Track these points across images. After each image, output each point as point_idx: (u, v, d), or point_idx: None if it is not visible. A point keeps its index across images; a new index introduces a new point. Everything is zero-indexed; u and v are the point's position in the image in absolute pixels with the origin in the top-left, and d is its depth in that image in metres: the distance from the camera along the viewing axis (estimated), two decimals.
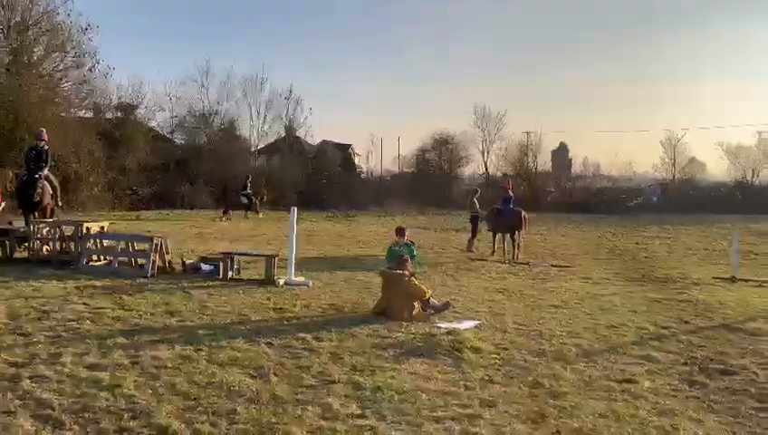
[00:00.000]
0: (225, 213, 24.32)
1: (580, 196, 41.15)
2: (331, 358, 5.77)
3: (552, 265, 13.27)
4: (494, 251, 15.05)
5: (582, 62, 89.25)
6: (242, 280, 10.06)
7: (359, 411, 4.45)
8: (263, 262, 10.26)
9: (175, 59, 72.50)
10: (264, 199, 27.48)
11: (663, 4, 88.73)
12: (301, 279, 9.98)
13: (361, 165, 48.90)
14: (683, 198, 40.40)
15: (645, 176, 48.84)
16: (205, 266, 10.66)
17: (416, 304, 7.75)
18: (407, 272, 8.03)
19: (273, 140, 40.59)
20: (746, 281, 11.60)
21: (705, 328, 7.51)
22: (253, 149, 39.40)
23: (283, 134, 40.32)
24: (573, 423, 4.31)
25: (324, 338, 6.47)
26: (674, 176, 47.10)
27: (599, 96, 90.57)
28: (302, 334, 6.59)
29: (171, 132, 37.30)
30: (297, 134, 40.58)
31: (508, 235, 14.87)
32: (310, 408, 4.48)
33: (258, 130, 39.63)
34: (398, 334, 6.72)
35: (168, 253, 10.85)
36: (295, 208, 10.52)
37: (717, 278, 11.93)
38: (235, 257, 10.57)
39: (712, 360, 6.05)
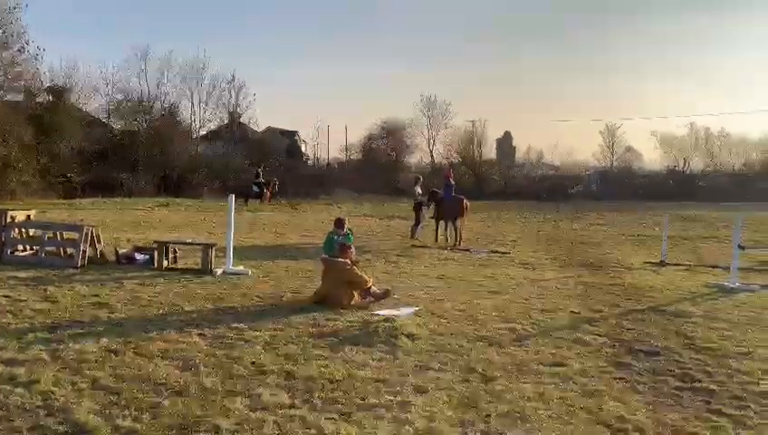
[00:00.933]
0: (246, 202, 24.87)
1: (522, 183, 42.05)
2: (265, 348, 5.66)
3: (493, 252, 13.48)
4: (436, 238, 15.17)
5: (526, 53, 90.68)
6: (178, 270, 9.79)
7: (289, 401, 4.38)
8: (200, 251, 10.01)
9: (111, 42, 69.44)
10: (277, 189, 27.56)
11: None
12: (240, 268, 9.78)
13: (308, 152, 48.45)
14: (620, 186, 41.84)
15: (585, 164, 50.32)
16: (139, 256, 10.33)
17: (356, 292, 7.71)
18: (348, 260, 7.97)
19: (215, 126, 39.69)
20: (674, 265, 12.08)
21: (634, 311, 7.76)
22: (194, 135, 38.43)
23: (227, 121, 39.46)
24: (503, 407, 4.36)
25: (260, 328, 6.34)
26: (612, 164, 48.75)
27: (542, 86, 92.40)
28: (237, 325, 6.45)
29: (108, 117, 35.94)
30: (241, 121, 39.79)
31: (450, 222, 15.01)
32: (239, 399, 4.38)
33: (200, 117, 38.67)
34: (336, 323, 6.66)
35: (99, 242, 10.43)
36: (233, 196, 10.28)
37: (648, 263, 12.39)
38: (171, 246, 10.26)
39: (638, 341, 6.26)
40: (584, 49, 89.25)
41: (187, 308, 7.23)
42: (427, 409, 4.31)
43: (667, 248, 13.08)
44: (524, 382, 4.90)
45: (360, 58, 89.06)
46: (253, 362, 5.22)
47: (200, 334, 6.05)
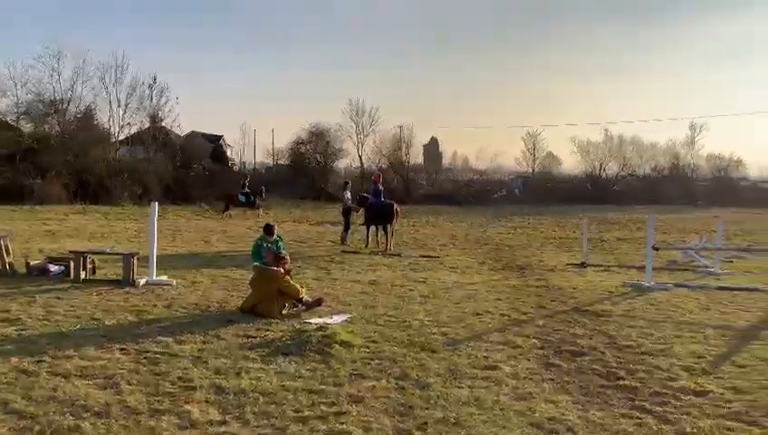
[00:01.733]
0: (225, 210, 24.81)
1: (449, 188, 42.79)
2: (192, 362, 5.43)
3: (423, 256, 13.60)
4: (367, 243, 15.16)
5: (453, 62, 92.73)
6: (96, 281, 9.28)
7: (220, 418, 4.21)
8: (121, 261, 9.54)
9: (21, 40, 65.43)
10: (264, 196, 26.88)
11: (528, 6, 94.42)
12: (163, 278, 9.39)
13: (233, 157, 47.39)
14: (541, 190, 43.35)
15: (509, 169, 51.86)
16: (53, 268, 9.72)
17: (287, 303, 7.56)
18: (282, 269, 7.79)
19: (135, 130, 38.05)
20: (595, 266, 12.60)
21: (560, 312, 8.02)
22: (113, 139, 36.69)
23: (148, 124, 37.91)
24: (439, 413, 4.37)
25: (186, 341, 6.09)
26: (533, 169, 50.49)
27: (468, 94, 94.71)
28: (161, 338, 6.16)
29: (17, 120, 33.72)
30: (163, 124, 38.33)
31: (381, 227, 15.04)
32: (165, 418, 4.17)
33: (119, 120, 36.96)
34: (267, 333, 6.50)
35: (8, 253, 9.75)
36: (156, 203, 9.86)
37: (570, 264, 12.86)
38: (89, 256, 9.72)
39: (565, 342, 6.45)
40: (508, 58, 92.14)
41: (107, 322, 6.85)
42: (363, 418, 4.26)
43: (588, 250, 13.65)
44: (459, 387, 4.94)
45: (285, 62, 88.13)
46: (180, 378, 5.00)
47: (122, 350, 5.74)
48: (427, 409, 4.46)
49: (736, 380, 5.22)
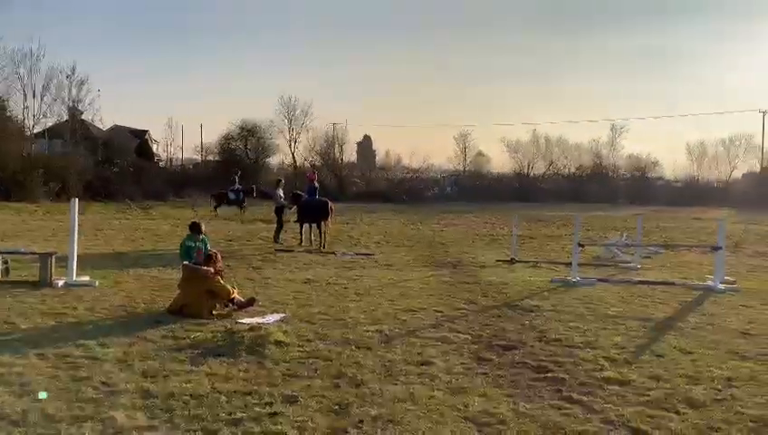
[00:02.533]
0: (216, 207, 24.42)
1: (383, 186, 43.03)
2: (117, 366, 5.19)
3: (357, 254, 13.60)
4: (301, 241, 15.01)
5: (386, 61, 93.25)
6: (10, 283, 8.73)
7: (147, 423, 4.03)
8: (37, 261, 9.01)
9: None
10: (254, 195, 25.99)
11: (456, 8, 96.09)
12: (85, 279, 8.95)
13: (160, 152, 45.83)
14: (472, 189, 44.34)
15: (441, 168, 52.69)
16: None
17: (218, 303, 7.36)
18: (212, 269, 7.57)
19: (53, 123, 36.11)
20: (524, 262, 12.97)
21: (491, 307, 8.19)
22: (28, 132, 34.66)
23: (66, 117, 36.05)
24: (374, 411, 4.36)
25: (110, 344, 5.82)
26: (464, 168, 51.53)
27: (401, 93, 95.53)
28: (83, 341, 5.86)
29: None
30: (83, 118, 36.55)
31: (315, 225, 14.92)
32: (88, 424, 3.96)
33: (35, 112, 34.96)
34: (197, 334, 6.29)
35: None
36: (76, 200, 9.37)
37: (500, 261, 13.18)
38: (2, 256, 9.13)
39: (497, 337, 6.59)
40: (439, 59, 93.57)
41: (23, 326, 6.46)
42: (298, 418, 4.19)
43: (517, 247, 14.04)
44: (394, 384, 4.95)
45: (214, 57, 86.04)
46: (103, 382, 4.76)
47: (39, 355, 5.41)
48: (362, 406, 4.44)
49: (655, 369, 5.49)
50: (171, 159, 45.56)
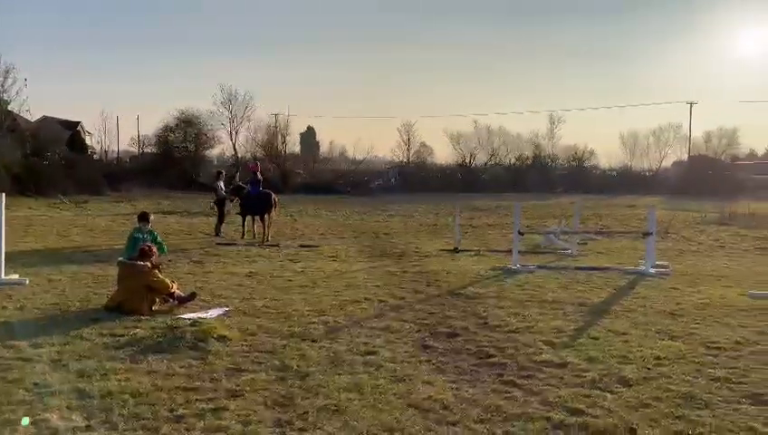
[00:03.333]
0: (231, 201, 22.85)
1: (327, 178, 42.81)
2: (50, 366, 5.00)
3: (302, 246, 13.51)
4: (243, 234, 14.78)
5: (329, 51, 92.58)
6: None
7: (84, 423, 3.90)
8: None
9: None
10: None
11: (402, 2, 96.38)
12: (15, 277, 8.56)
13: (94, 145, 44.07)
14: (416, 180, 44.68)
15: (385, 159, 52.90)
16: None
17: (157, 298, 7.18)
18: (149, 263, 7.36)
19: None
20: (466, 251, 13.21)
21: (434, 296, 8.32)
22: None
23: None
24: (320, 402, 4.36)
25: (43, 344, 5.59)
26: (408, 159, 51.88)
27: (345, 83, 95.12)
28: (13, 342, 5.61)
29: None
30: (9, 108, 34.66)
31: (258, 217, 14.72)
32: (20, 428, 3.80)
33: None
34: (136, 331, 6.11)
35: None
36: (3, 195, 8.91)
37: (443, 250, 13.38)
38: None
39: (440, 324, 6.70)
40: (382, 49, 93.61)
41: None
42: (242, 412, 4.15)
43: (460, 236, 14.27)
44: (339, 374, 4.96)
45: (150, 46, 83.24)
46: (36, 384, 4.58)
47: None
48: (307, 398, 4.44)
49: (591, 350, 5.71)
50: (107, 152, 43.91)
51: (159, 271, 7.47)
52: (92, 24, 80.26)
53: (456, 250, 13.27)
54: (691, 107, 54.51)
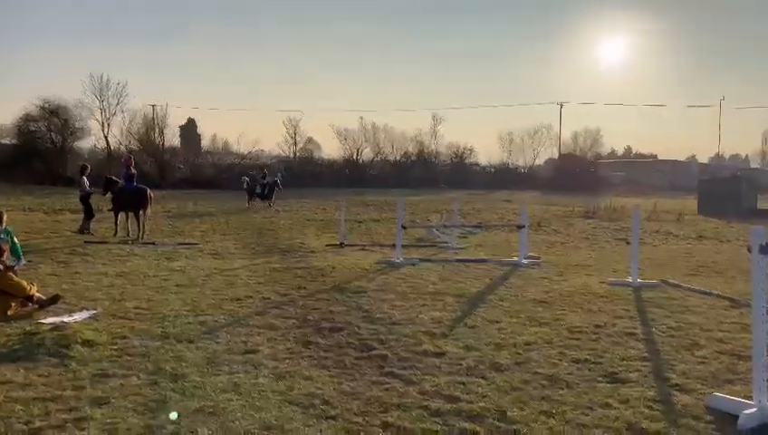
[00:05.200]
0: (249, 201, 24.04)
1: (209, 172, 41.37)
2: None
3: (180, 244, 12.94)
4: (116, 232, 13.90)
5: (213, 42, 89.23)
6: None
7: None
8: None
9: None
10: (280, 188, 24.45)
11: None
12: None
13: None
14: (303, 174, 44.34)
15: (271, 154, 51.99)
16: None
17: (13, 302, 6.55)
18: (1, 266, 6.70)
19: None
20: (352, 246, 13.29)
21: (319, 291, 8.28)
22: None
23: None
24: (195, 404, 4.19)
25: None
26: (295, 154, 51.37)
27: (228, 75, 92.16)
28: None
29: None
30: None
31: (132, 213, 13.90)
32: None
33: None
34: None
35: None
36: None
37: (330, 245, 13.37)
38: None
39: (324, 320, 6.68)
40: (266, 43, 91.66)
41: None
42: (109, 420, 3.89)
43: (346, 231, 14.33)
44: (217, 375, 4.79)
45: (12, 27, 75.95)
46: None
47: None
48: (182, 401, 4.24)
49: (468, 339, 5.94)
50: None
51: (15, 273, 6.83)
52: None
53: (341, 245, 13.31)
54: (561, 108, 58.46)
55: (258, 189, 24.80)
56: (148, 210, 14.12)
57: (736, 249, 13.71)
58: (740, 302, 7.66)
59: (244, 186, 24.93)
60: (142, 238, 13.31)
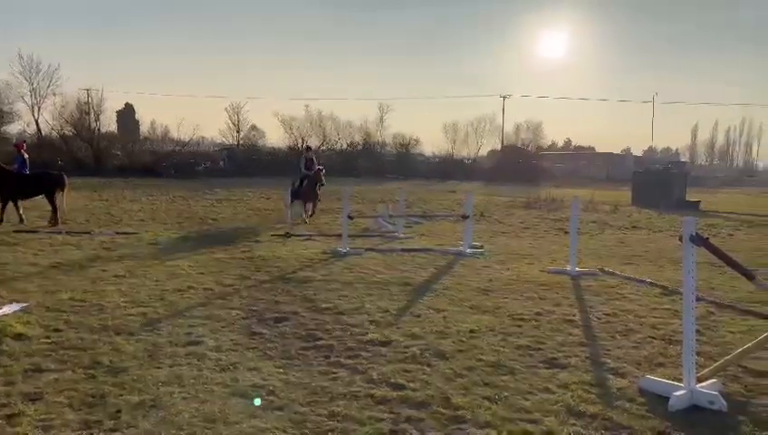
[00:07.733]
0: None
1: (148, 159, 40.11)
2: None
3: (118, 233, 12.51)
4: (22, 220, 13.36)
5: (152, 26, 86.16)
6: None
7: None
8: None
9: None
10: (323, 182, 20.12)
11: None
12: None
13: None
14: (247, 163, 43.59)
15: (213, 141, 50.86)
16: None
17: None
18: None
19: None
20: (298, 236, 13.17)
21: (264, 281, 8.18)
22: None
23: None
24: (135, 398, 4.07)
25: None
26: (238, 142, 50.41)
27: (171, 62, 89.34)
28: None
29: None
30: None
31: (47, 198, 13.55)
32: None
33: None
34: None
35: None
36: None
37: (275, 235, 13.21)
38: None
39: (269, 310, 6.61)
40: (206, 28, 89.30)
41: None
42: (43, 417, 3.74)
43: (292, 221, 14.18)
44: (158, 368, 4.67)
45: None
46: None
47: None
48: (121, 395, 4.12)
49: (414, 327, 6.00)
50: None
51: None
52: None
53: (287, 235, 13.17)
54: (504, 100, 59.55)
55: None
56: (64, 195, 13.79)
57: (667, 239, 14.36)
58: (671, 289, 8.04)
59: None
60: (57, 223, 13.16)
